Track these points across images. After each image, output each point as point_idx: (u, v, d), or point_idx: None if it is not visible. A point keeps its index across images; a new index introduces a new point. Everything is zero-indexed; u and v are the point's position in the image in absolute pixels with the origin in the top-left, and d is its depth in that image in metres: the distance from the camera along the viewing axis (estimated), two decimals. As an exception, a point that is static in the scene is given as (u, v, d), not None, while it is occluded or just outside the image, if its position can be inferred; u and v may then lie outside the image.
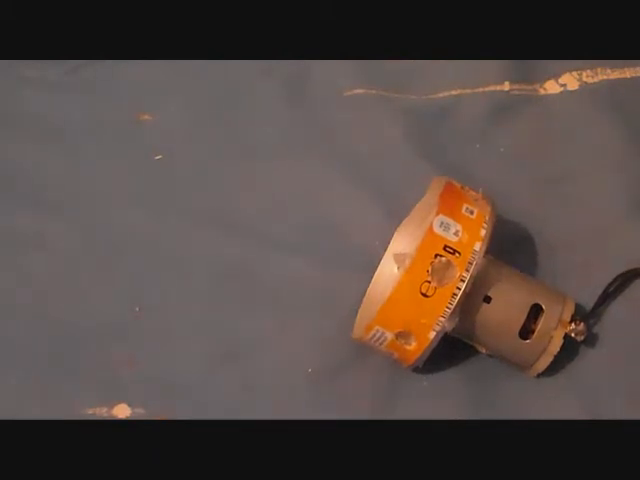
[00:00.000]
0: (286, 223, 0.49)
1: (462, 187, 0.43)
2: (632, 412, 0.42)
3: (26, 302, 0.48)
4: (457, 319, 0.40)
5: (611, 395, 0.43)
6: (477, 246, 0.41)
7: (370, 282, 0.42)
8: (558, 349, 0.42)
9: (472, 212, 0.42)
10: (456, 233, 0.41)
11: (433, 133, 0.50)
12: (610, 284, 0.45)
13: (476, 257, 0.40)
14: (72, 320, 0.47)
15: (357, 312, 0.42)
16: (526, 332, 0.42)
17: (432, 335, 0.41)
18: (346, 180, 0.49)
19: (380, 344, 0.42)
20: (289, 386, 0.45)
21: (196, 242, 0.49)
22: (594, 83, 0.50)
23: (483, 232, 0.41)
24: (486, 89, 0.51)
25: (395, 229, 0.45)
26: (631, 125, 0.49)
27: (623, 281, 0.45)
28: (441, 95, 0.51)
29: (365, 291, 0.43)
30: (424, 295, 0.40)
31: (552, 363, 0.43)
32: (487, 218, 0.42)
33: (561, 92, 0.51)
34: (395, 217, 0.46)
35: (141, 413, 0.45)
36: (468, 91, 0.51)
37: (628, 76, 0.50)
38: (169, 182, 0.51)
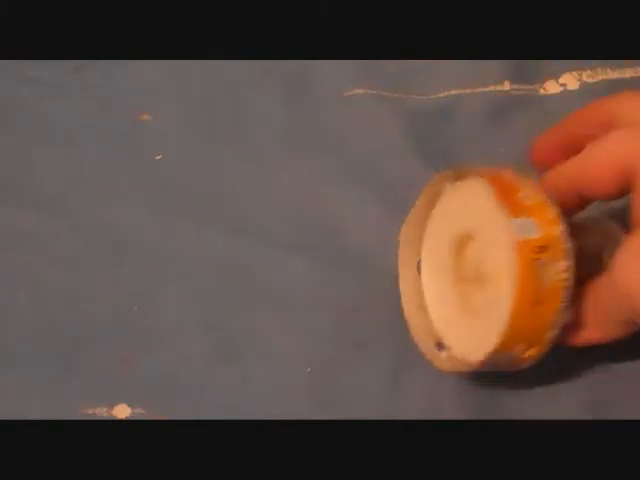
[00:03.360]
0: (286, 223, 0.49)
1: (495, 176, 0.41)
2: (632, 412, 0.42)
3: (26, 302, 0.48)
4: (571, 310, 0.38)
5: (611, 395, 0.43)
6: (559, 230, 0.38)
7: (370, 282, 0.42)
8: None
9: (528, 196, 0.39)
10: (534, 228, 0.38)
11: (433, 133, 0.50)
12: None
13: (564, 242, 0.38)
14: (72, 320, 0.47)
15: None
16: None
17: (552, 334, 0.38)
18: (346, 180, 0.49)
19: (492, 365, 0.39)
20: (289, 386, 0.45)
21: (196, 242, 0.49)
22: (594, 83, 0.50)
23: (554, 212, 0.39)
24: (486, 89, 0.51)
25: (395, 229, 0.45)
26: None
27: None
28: (441, 95, 0.51)
29: (365, 291, 0.44)
30: (537, 304, 0.37)
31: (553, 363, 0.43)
32: (541, 192, 0.39)
33: (561, 92, 0.51)
34: (395, 217, 0.46)
35: (141, 413, 0.45)
36: (468, 91, 0.51)
37: (628, 76, 0.50)
38: (169, 182, 0.51)
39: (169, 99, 0.53)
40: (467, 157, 0.49)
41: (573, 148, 0.41)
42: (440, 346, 0.42)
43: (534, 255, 0.38)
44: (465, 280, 0.42)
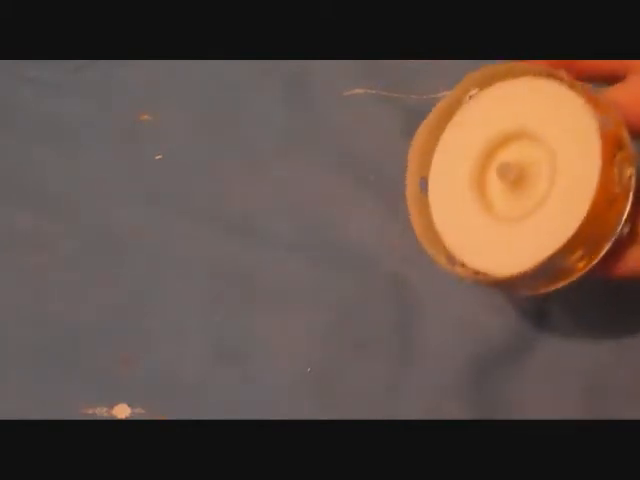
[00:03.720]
0: (286, 223, 0.49)
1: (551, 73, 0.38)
2: (632, 412, 0.42)
3: (26, 302, 0.48)
4: (630, 221, 0.36)
5: (611, 395, 0.43)
6: (625, 132, 0.36)
7: (370, 282, 0.41)
8: None
9: (593, 92, 0.37)
10: (612, 124, 0.36)
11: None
12: None
13: (633, 147, 0.36)
14: (72, 320, 0.47)
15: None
16: None
17: (608, 246, 0.35)
18: (346, 180, 0.49)
19: (538, 275, 0.36)
20: (289, 386, 0.45)
21: (196, 242, 0.49)
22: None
23: (618, 114, 0.36)
24: (486, 89, 0.51)
25: (395, 229, 0.45)
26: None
27: None
28: (441, 95, 0.51)
29: (365, 291, 0.43)
30: (611, 202, 0.35)
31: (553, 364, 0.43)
32: (600, 96, 0.37)
33: (561, 92, 0.50)
34: (395, 217, 0.46)
35: (141, 413, 0.45)
36: (468, 91, 0.51)
37: (628, 76, 0.50)
38: (169, 182, 0.51)
39: (169, 99, 0.53)
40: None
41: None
42: (454, 261, 0.39)
43: (615, 149, 0.35)
44: (494, 189, 0.39)
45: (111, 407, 0.45)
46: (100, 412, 0.45)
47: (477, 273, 0.38)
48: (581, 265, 0.36)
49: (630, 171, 0.36)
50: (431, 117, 0.41)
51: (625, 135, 0.36)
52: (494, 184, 0.39)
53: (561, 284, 0.37)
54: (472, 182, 0.39)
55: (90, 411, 0.45)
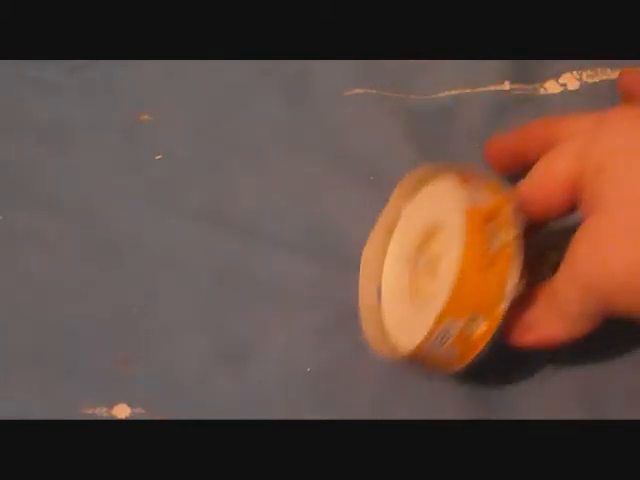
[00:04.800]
0: (286, 223, 0.49)
1: (458, 170, 0.42)
2: (632, 412, 0.42)
3: (26, 302, 0.48)
4: (522, 282, 0.38)
5: (611, 395, 0.43)
6: (511, 205, 0.39)
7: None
8: None
9: (482, 178, 0.41)
10: (487, 199, 0.39)
11: (433, 133, 0.50)
12: None
13: (516, 215, 0.39)
14: (72, 320, 0.47)
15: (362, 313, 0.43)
16: None
17: (502, 308, 0.38)
18: (346, 180, 0.49)
19: (441, 345, 0.38)
20: (289, 386, 0.45)
21: (196, 242, 0.49)
22: (594, 83, 0.50)
23: (504, 189, 0.40)
24: (486, 89, 0.51)
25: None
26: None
27: None
28: (441, 95, 0.51)
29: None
30: (486, 267, 0.37)
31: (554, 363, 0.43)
32: (495, 181, 0.41)
33: (561, 92, 0.51)
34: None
35: (141, 413, 0.45)
36: (468, 91, 0.51)
37: (628, 76, 0.50)
38: (169, 182, 0.51)
39: (169, 99, 0.53)
40: (467, 157, 0.49)
41: (521, 156, 0.43)
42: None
43: (484, 219, 0.38)
44: (421, 274, 0.42)
45: (111, 407, 0.45)
46: (100, 412, 0.45)
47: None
48: (481, 332, 0.38)
49: (511, 234, 0.38)
50: (376, 229, 0.44)
51: (506, 204, 0.39)
52: (424, 280, 0.42)
53: (471, 355, 0.39)
54: (411, 283, 0.43)
55: (90, 411, 0.45)
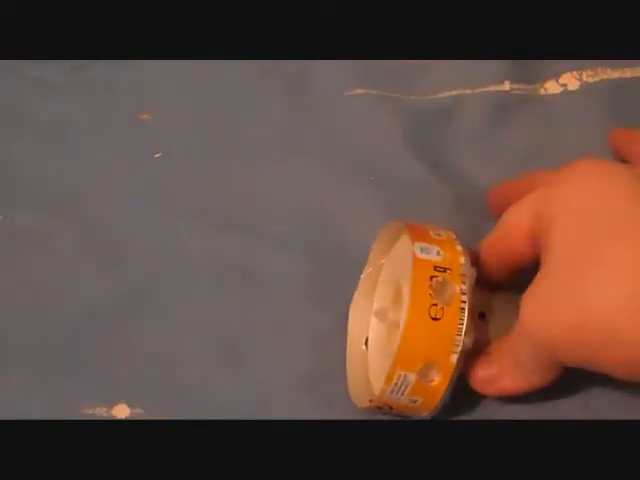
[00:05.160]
0: (286, 223, 0.49)
1: (414, 225, 0.43)
2: (632, 412, 0.42)
3: (26, 302, 0.48)
4: (473, 333, 0.39)
5: (611, 395, 0.43)
6: (462, 259, 0.40)
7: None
8: None
9: (439, 234, 0.42)
10: (438, 253, 0.40)
11: (433, 133, 0.50)
12: None
13: (466, 269, 0.40)
14: (72, 320, 0.47)
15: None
16: None
17: (455, 358, 0.39)
18: (346, 180, 0.49)
19: (402, 394, 0.40)
20: (288, 386, 0.45)
21: (196, 241, 0.49)
22: (594, 83, 0.50)
23: (459, 247, 0.41)
24: (486, 89, 0.51)
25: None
26: (631, 125, 0.49)
27: None
28: (441, 95, 0.51)
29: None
30: (435, 319, 0.39)
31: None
32: (455, 236, 0.42)
33: (561, 92, 0.50)
34: (395, 217, 0.46)
35: (141, 413, 0.45)
36: (468, 91, 0.51)
37: (628, 76, 0.50)
38: (169, 182, 0.51)
39: (169, 99, 0.53)
40: (467, 157, 0.49)
41: None
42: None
43: (433, 272, 0.40)
44: (395, 327, 0.43)
45: (111, 407, 0.45)
46: (100, 412, 0.45)
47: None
48: (438, 382, 0.39)
49: (460, 288, 0.39)
50: (361, 285, 0.46)
51: (457, 258, 0.40)
52: (394, 333, 0.43)
53: (434, 403, 0.40)
54: (388, 335, 0.44)
55: (89, 411, 0.45)
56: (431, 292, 0.39)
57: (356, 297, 0.46)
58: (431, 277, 0.39)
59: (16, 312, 0.48)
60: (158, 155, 0.51)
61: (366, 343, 0.45)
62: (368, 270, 0.46)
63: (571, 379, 0.44)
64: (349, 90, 0.51)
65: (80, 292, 0.48)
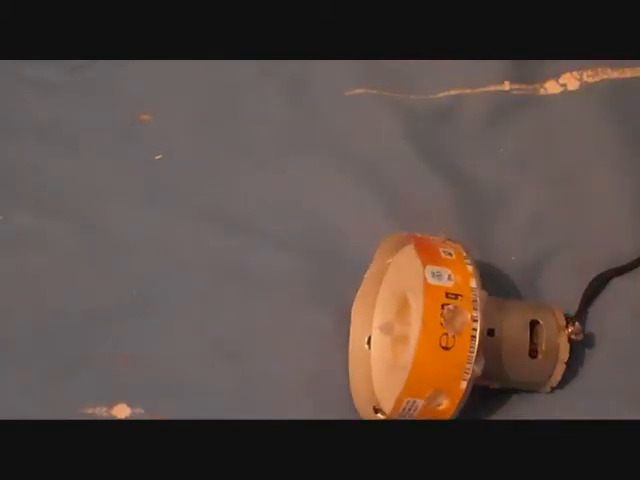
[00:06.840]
0: (286, 223, 0.49)
1: (424, 235, 0.43)
2: (632, 412, 0.42)
3: (26, 302, 0.48)
4: (483, 360, 0.39)
5: (611, 395, 0.43)
6: (473, 283, 0.40)
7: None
8: (568, 354, 0.42)
9: (450, 254, 0.41)
10: (449, 278, 0.40)
11: (433, 133, 0.50)
12: (587, 288, 0.45)
13: (477, 294, 0.40)
14: (72, 320, 0.47)
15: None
16: (532, 352, 0.42)
17: (464, 385, 0.39)
18: (346, 180, 0.49)
19: (409, 416, 0.40)
20: (288, 386, 0.45)
21: (196, 241, 0.49)
22: (594, 83, 0.50)
23: (470, 268, 0.41)
24: (486, 89, 0.51)
25: (394, 229, 0.45)
26: (631, 125, 0.49)
27: (600, 283, 0.45)
28: (441, 95, 0.51)
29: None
30: (445, 348, 0.39)
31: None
32: (465, 254, 0.42)
33: (561, 92, 0.51)
34: (395, 217, 0.46)
35: (141, 413, 0.45)
36: (468, 91, 0.51)
37: (628, 76, 0.50)
38: (169, 182, 0.51)
39: (169, 99, 0.53)
40: (467, 157, 0.49)
41: None
42: (377, 410, 0.43)
43: (445, 300, 0.39)
44: (400, 341, 0.43)
45: (111, 407, 0.45)
46: (100, 412, 0.45)
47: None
48: (445, 407, 0.40)
49: (467, 317, 0.39)
50: (365, 283, 0.46)
51: (466, 284, 0.40)
52: (400, 349, 0.44)
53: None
54: (393, 347, 0.44)
55: (90, 411, 0.45)
56: (442, 321, 0.39)
57: (359, 296, 0.46)
58: (442, 305, 0.39)
59: (16, 312, 0.48)
60: (159, 157, 0.51)
61: (369, 342, 0.45)
62: (372, 270, 0.45)
63: (571, 379, 0.44)
64: (349, 90, 0.51)
65: (80, 292, 0.48)
